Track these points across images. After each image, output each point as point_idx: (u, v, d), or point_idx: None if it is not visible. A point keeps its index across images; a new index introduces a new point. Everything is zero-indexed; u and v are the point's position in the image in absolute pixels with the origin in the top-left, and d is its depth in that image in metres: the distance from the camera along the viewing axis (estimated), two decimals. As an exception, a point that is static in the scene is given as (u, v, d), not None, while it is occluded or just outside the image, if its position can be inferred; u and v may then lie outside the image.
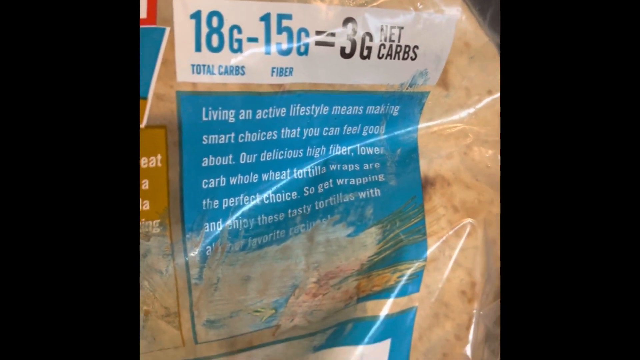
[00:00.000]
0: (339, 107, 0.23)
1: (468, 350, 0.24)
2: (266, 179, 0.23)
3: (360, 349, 0.22)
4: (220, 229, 0.23)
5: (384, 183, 0.24)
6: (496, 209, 0.26)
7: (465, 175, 0.26)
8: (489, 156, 0.26)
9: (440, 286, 0.24)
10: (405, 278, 0.23)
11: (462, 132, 0.26)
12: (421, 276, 0.23)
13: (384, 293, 0.23)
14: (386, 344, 0.23)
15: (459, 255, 0.25)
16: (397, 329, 0.23)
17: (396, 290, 0.23)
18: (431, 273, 0.24)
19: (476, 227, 0.25)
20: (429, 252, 0.24)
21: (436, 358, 0.24)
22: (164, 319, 0.22)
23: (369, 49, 0.22)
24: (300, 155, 0.24)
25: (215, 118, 0.21)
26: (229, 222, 0.23)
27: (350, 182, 0.24)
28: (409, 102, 0.24)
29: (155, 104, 0.20)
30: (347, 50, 0.22)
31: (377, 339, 0.22)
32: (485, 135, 0.26)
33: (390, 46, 0.22)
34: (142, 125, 0.20)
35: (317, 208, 0.24)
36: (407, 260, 0.23)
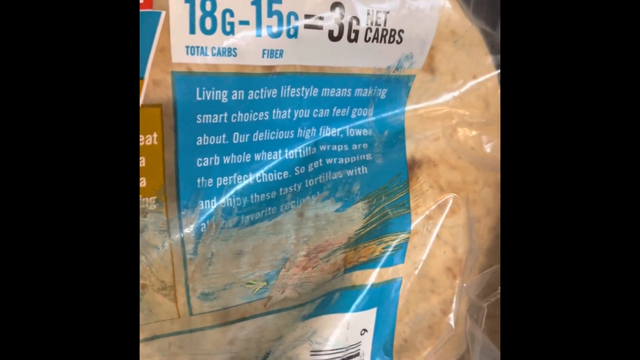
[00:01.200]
0: (328, 90, 0.24)
1: (451, 319, 0.25)
2: (258, 159, 0.24)
3: (347, 316, 0.23)
4: (215, 206, 0.24)
5: (371, 162, 0.25)
6: (479, 187, 0.27)
7: (450, 156, 0.27)
8: (473, 137, 0.27)
9: (423, 260, 0.25)
10: (390, 249, 0.24)
11: (448, 115, 0.27)
12: (405, 248, 0.24)
13: (370, 264, 0.24)
14: (372, 312, 0.23)
15: (444, 231, 0.26)
16: (383, 299, 0.24)
17: (382, 261, 0.24)
18: (416, 248, 0.25)
19: (460, 204, 0.26)
20: (412, 225, 0.25)
21: (422, 330, 0.25)
22: (160, 292, 0.23)
23: (356, 32, 0.23)
24: (291, 136, 0.25)
25: (208, 98, 0.22)
26: (222, 200, 0.24)
27: (339, 161, 0.25)
28: (395, 85, 0.25)
29: (151, 84, 0.21)
30: (335, 34, 0.23)
31: (364, 307, 0.23)
32: (470, 117, 0.27)
33: (377, 30, 0.23)
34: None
35: (307, 186, 0.24)
36: (392, 233, 0.24)
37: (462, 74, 0.27)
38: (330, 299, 0.23)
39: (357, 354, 0.23)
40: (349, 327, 0.23)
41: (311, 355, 0.23)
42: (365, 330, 0.23)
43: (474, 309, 0.24)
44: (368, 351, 0.24)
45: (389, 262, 0.24)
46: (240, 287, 0.24)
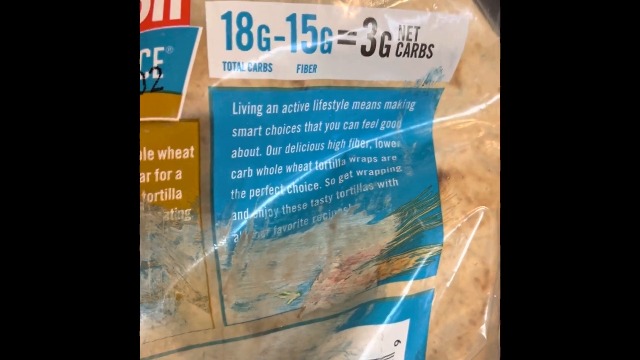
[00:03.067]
0: (359, 103, 0.25)
1: (483, 331, 0.25)
2: (290, 171, 0.25)
3: (381, 328, 0.23)
4: (247, 218, 0.24)
5: (401, 174, 0.26)
6: (508, 199, 0.27)
7: (477, 167, 0.27)
8: (499, 150, 0.27)
9: (454, 272, 0.25)
10: (423, 262, 0.24)
11: (475, 127, 0.27)
12: (438, 260, 0.25)
13: (403, 276, 0.24)
14: (405, 324, 0.24)
15: (473, 243, 0.26)
16: (416, 310, 0.24)
17: (415, 273, 0.24)
18: (446, 260, 0.25)
19: (489, 216, 0.26)
20: (445, 237, 0.25)
21: (451, 341, 0.25)
22: (194, 303, 0.24)
23: (388, 47, 0.23)
24: (321, 149, 0.25)
25: (244, 112, 0.22)
26: (255, 211, 0.24)
27: (369, 173, 0.25)
28: (424, 98, 0.26)
29: (188, 99, 0.22)
30: (368, 49, 0.23)
31: (397, 319, 0.24)
32: (496, 129, 0.27)
33: (408, 45, 0.24)
34: (176, 119, 0.22)
35: (338, 197, 0.25)
36: (425, 245, 0.24)
37: (487, 87, 0.27)
38: (364, 311, 0.24)
39: (391, 364, 0.24)
40: (383, 338, 0.23)
41: (347, 365, 0.23)
42: (398, 341, 0.24)
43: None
44: (401, 361, 0.24)
45: (422, 274, 0.24)
46: (273, 297, 0.24)
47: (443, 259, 0.25)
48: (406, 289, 0.24)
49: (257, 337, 0.24)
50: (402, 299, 0.24)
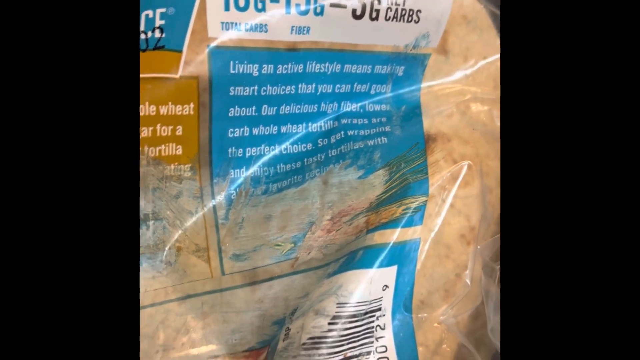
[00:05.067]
0: (350, 66, 0.26)
1: (467, 277, 0.26)
2: (284, 131, 0.26)
3: (370, 272, 0.24)
4: (244, 176, 0.25)
5: (389, 133, 0.27)
6: (491, 161, 0.28)
7: (463, 131, 0.28)
8: (485, 112, 0.28)
9: (439, 226, 0.26)
10: (410, 211, 0.26)
11: (461, 92, 0.28)
12: (424, 210, 0.26)
13: (391, 224, 0.25)
14: (393, 270, 0.25)
15: (459, 202, 0.27)
16: (403, 257, 0.25)
17: (402, 222, 0.25)
18: (431, 216, 0.27)
19: (474, 177, 0.28)
20: (430, 189, 0.26)
21: (438, 292, 0.27)
22: (194, 254, 0.25)
23: (377, 11, 0.25)
24: (314, 110, 0.26)
25: (241, 71, 0.23)
26: (251, 169, 0.25)
27: (360, 133, 0.27)
28: (412, 63, 0.27)
29: (188, 56, 0.23)
30: (358, 12, 0.24)
31: (386, 264, 0.25)
32: (482, 94, 0.28)
33: (396, 9, 0.25)
34: (177, 76, 0.23)
35: (330, 155, 0.26)
36: (412, 196, 0.26)
37: (473, 55, 0.29)
38: (354, 257, 0.25)
39: (379, 308, 0.25)
40: (372, 282, 0.24)
41: (337, 306, 0.24)
42: (386, 286, 0.25)
43: (487, 269, 0.26)
44: (389, 306, 0.25)
45: (409, 223, 0.26)
46: (269, 248, 0.26)
47: (428, 214, 0.26)
48: (395, 235, 0.25)
49: (253, 285, 0.26)
50: (390, 245, 0.25)
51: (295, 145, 0.26)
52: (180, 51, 0.23)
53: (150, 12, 0.22)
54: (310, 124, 0.26)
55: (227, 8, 0.23)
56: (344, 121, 0.27)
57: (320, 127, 0.27)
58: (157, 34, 0.22)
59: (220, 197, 0.25)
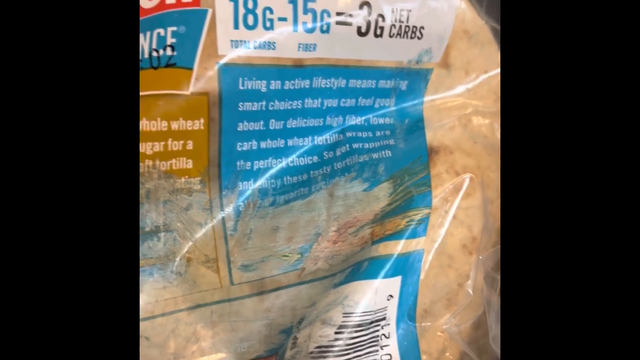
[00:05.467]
0: (355, 81, 0.27)
1: (469, 287, 0.27)
2: (291, 145, 0.27)
3: (376, 282, 0.25)
4: (252, 188, 0.26)
5: (393, 146, 0.28)
6: (493, 173, 0.29)
7: (465, 144, 0.29)
8: (486, 125, 0.29)
9: (442, 237, 0.27)
10: (414, 223, 0.26)
11: (463, 105, 0.29)
12: (427, 222, 0.27)
13: (396, 235, 0.26)
14: (397, 280, 0.26)
15: (461, 213, 0.28)
16: (407, 268, 0.26)
17: (406, 233, 0.26)
18: (434, 227, 0.27)
19: (475, 188, 0.28)
20: (433, 201, 0.27)
21: (440, 301, 0.27)
22: (204, 265, 0.26)
23: (382, 28, 0.25)
24: (320, 124, 0.27)
25: (249, 87, 0.24)
26: (259, 182, 0.26)
27: (365, 146, 0.27)
28: (415, 78, 0.28)
29: (199, 73, 0.23)
30: (363, 30, 0.25)
31: (390, 275, 0.26)
32: (483, 107, 0.29)
33: (400, 26, 0.26)
34: (188, 92, 0.24)
35: (335, 168, 0.27)
36: (415, 208, 0.26)
37: (474, 69, 0.29)
38: (359, 268, 0.26)
39: (384, 318, 0.26)
40: (377, 293, 0.25)
41: (343, 316, 0.25)
42: (391, 296, 0.26)
43: (489, 279, 0.27)
44: (394, 316, 0.26)
45: (413, 234, 0.26)
46: (276, 259, 0.26)
47: (432, 226, 0.27)
48: (398, 247, 0.26)
49: (261, 295, 0.26)
50: (394, 256, 0.26)
51: (302, 158, 0.27)
52: (191, 68, 0.23)
53: (161, 30, 0.23)
54: (316, 137, 0.27)
55: (236, 26, 0.23)
56: (349, 134, 0.27)
57: (326, 140, 0.27)
58: (169, 51, 0.23)
59: (229, 209, 0.26)
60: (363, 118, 0.28)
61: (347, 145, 0.27)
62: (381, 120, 0.28)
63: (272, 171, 0.26)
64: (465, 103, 0.29)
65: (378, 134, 0.28)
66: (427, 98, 0.29)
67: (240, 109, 0.24)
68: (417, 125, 0.28)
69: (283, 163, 0.27)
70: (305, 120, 0.26)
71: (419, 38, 0.26)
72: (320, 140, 0.27)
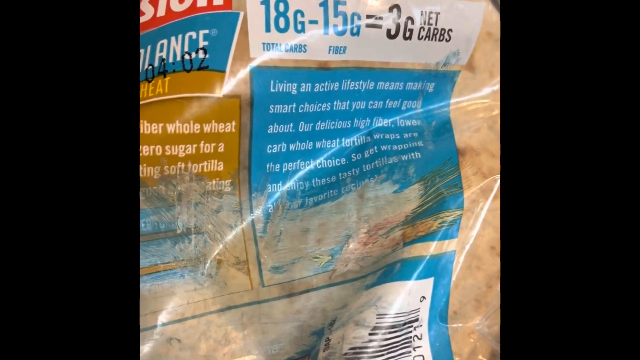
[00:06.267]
0: (383, 83, 0.27)
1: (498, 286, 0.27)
2: (319, 147, 0.27)
3: (409, 284, 0.25)
4: (281, 190, 0.26)
5: (422, 148, 0.28)
6: (520, 174, 0.29)
7: (491, 145, 0.29)
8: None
9: (473, 238, 0.27)
10: (446, 224, 0.26)
11: (489, 107, 0.29)
12: (459, 223, 0.27)
13: (428, 237, 0.26)
14: (430, 282, 0.26)
15: (489, 214, 0.28)
16: (439, 269, 0.26)
17: (439, 235, 0.26)
18: (464, 229, 0.27)
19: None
20: (465, 203, 0.27)
21: (470, 303, 0.27)
22: (234, 267, 0.26)
23: (411, 31, 0.26)
24: (348, 126, 0.27)
25: (280, 90, 0.24)
26: (288, 184, 0.26)
27: (393, 148, 0.27)
28: (442, 80, 0.28)
29: (231, 76, 0.24)
30: (392, 32, 0.25)
31: (423, 276, 0.26)
32: (509, 109, 0.29)
33: (429, 29, 0.26)
34: (220, 95, 0.24)
35: (364, 170, 0.27)
36: (448, 210, 0.27)
37: (499, 71, 0.29)
38: (392, 269, 0.26)
39: (417, 319, 0.26)
40: (410, 294, 0.25)
41: (377, 317, 0.25)
42: (423, 297, 0.26)
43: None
44: (426, 317, 0.26)
45: (445, 236, 0.26)
46: (307, 261, 0.26)
47: (463, 227, 0.27)
48: (431, 248, 0.26)
49: (291, 297, 0.26)
50: (427, 257, 0.26)
51: (330, 160, 0.27)
52: (224, 71, 0.23)
53: (193, 34, 0.23)
54: (343, 140, 0.27)
55: (267, 29, 0.23)
56: (376, 136, 0.28)
57: (353, 142, 0.28)
58: (201, 54, 0.23)
59: (258, 211, 0.26)
60: (390, 120, 0.28)
61: (375, 147, 0.27)
62: (408, 122, 0.28)
63: (301, 173, 0.27)
64: (492, 105, 0.29)
65: (406, 135, 0.28)
66: (453, 100, 0.29)
67: (271, 112, 0.25)
68: (444, 127, 0.28)
69: (311, 165, 0.27)
70: (333, 122, 0.27)
71: (447, 40, 0.27)
72: (347, 142, 0.27)
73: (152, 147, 0.23)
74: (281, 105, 0.25)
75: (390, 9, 0.25)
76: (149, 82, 0.23)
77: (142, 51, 0.23)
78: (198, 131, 0.24)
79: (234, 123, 0.24)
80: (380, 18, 0.25)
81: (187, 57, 0.23)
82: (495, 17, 0.29)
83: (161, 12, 0.24)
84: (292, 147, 0.26)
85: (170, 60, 0.23)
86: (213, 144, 0.24)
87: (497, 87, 0.29)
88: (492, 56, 0.29)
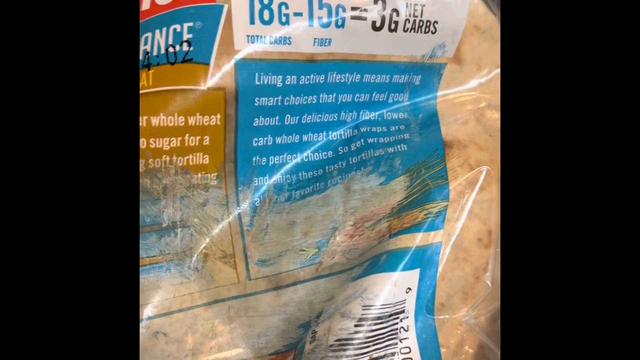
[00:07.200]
0: (369, 76, 0.27)
1: (488, 279, 0.27)
2: (306, 140, 0.27)
3: (395, 275, 0.25)
4: (267, 184, 0.26)
5: (409, 140, 0.28)
6: (507, 166, 0.29)
7: (479, 138, 0.29)
8: (498, 119, 0.29)
9: (459, 229, 0.27)
10: (432, 215, 0.26)
11: (476, 99, 0.29)
12: (445, 214, 0.27)
13: (414, 228, 0.26)
14: (416, 273, 0.26)
15: (476, 207, 0.28)
16: (425, 260, 0.26)
17: (424, 226, 0.26)
18: (450, 221, 0.27)
19: (490, 182, 0.28)
20: (451, 195, 0.27)
21: (457, 295, 0.27)
22: (221, 260, 0.26)
23: (396, 23, 0.26)
24: (335, 119, 0.27)
25: (265, 82, 0.24)
26: (274, 177, 0.26)
27: (380, 140, 0.27)
28: (429, 72, 0.28)
29: (215, 68, 0.23)
30: (378, 24, 0.25)
31: (409, 267, 0.26)
32: (496, 101, 0.29)
33: (414, 21, 0.26)
34: (204, 87, 0.24)
35: (351, 162, 0.27)
36: (433, 201, 0.27)
37: (486, 64, 0.30)
38: (378, 261, 0.26)
39: (403, 311, 0.26)
40: (396, 285, 0.25)
41: (363, 309, 0.25)
42: (409, 289, 0.26)
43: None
44: (412, 309, 0.26)
45: (431, 227, 0.26)
46: (294, 253, 0.26)
47: (447, 220, 0.27)
48: (417, 240, 0.26)
49: (278, 290, 0.26)
50: (413, 249, 0.26)
51: (316, 153, 0.27)
52: (208, 64, 0.23)
53: (178, 26, 0.23)
54: (330, 132, 0.27)
55: (252, 22, 0.23)
56: (363, 129, 0.28)
57: (340, 135, 0.27)
58: (185, 47, 0.23)
59: (245, 205, 0.26)
60: (377, 113, 0.28)
61: (362, 140, 0.27)
62: (395, 115, 0.28)
63: (287, 167, 0.27)
64: (479, 97, 0.29)
65: (392, 128, 0.28)
66: (440, 93, 0.29)
67: (256, 104, 0.25)
68: (431, 119, 0.28)
69: (298, 158, 0.27)
70: (319, 115, 0.27)
71: (432, 33, 0.27)
72: (334, 135, 0.27)
73: (136, 140, 0.23)
74: (266, 98, 0.25)
75: (375, 1, 0.25)
76: (133, 74, 0.23)
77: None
78: (183, 124, 0.24)
79: (219, 116, 0.24)
80: (365, 10, 0.25)
81: (171, 49, 0.23)
82: (481, 9, 0.29)
83: (146, 5, 0.24)
84: (278, 140, 0.26)
85: (155, 53, 0.23)
86: (198, 137, 0.24)
87: (485, 79, 0.29)
88: (479, 49, 0.29)
